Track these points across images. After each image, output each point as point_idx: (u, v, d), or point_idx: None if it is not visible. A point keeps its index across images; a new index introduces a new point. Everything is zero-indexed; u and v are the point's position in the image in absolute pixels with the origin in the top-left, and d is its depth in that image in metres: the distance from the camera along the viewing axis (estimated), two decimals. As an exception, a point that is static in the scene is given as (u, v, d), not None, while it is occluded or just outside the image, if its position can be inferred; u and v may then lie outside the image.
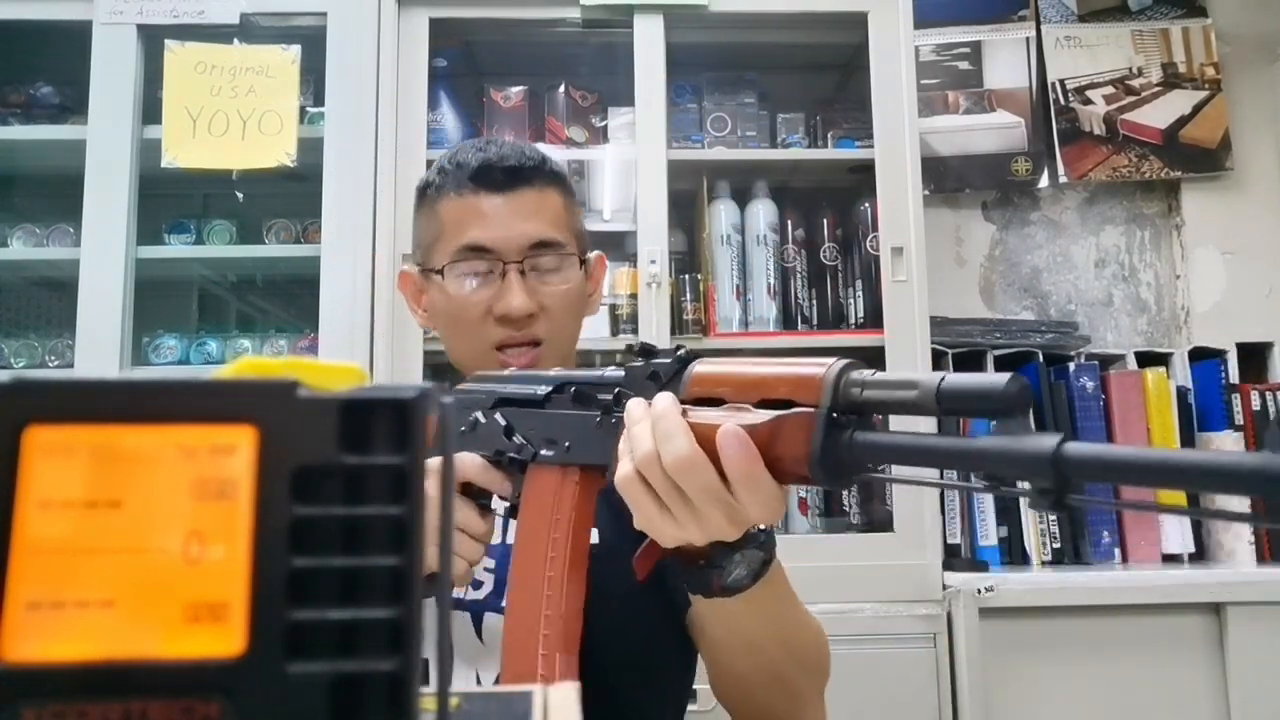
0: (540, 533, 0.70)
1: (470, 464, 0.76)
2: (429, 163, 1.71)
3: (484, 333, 0.94)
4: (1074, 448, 0.40)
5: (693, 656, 0.91)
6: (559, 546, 0.69)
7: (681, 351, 0.63)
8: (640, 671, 0.88)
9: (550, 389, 0.72)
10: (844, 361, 0.53)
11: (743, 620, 0.66)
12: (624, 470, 0.59)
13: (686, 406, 0.59)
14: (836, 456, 0.52)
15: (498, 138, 1.00)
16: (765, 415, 0.55)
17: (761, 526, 0.65)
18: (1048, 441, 0.41)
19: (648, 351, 0.64)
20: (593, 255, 1.03)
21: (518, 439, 0.73)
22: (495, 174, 0.94)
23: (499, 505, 0.79)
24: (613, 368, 0.70)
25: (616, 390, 0.66)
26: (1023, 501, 1.75)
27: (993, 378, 0.44)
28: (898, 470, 0.54)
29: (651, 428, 0.58)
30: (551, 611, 0.67)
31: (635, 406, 0.61)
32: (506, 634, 0.70)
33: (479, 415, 0.77)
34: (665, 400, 0.59)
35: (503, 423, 0.74)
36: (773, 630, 0.71)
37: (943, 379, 0.47)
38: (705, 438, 0.56)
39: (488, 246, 0.93)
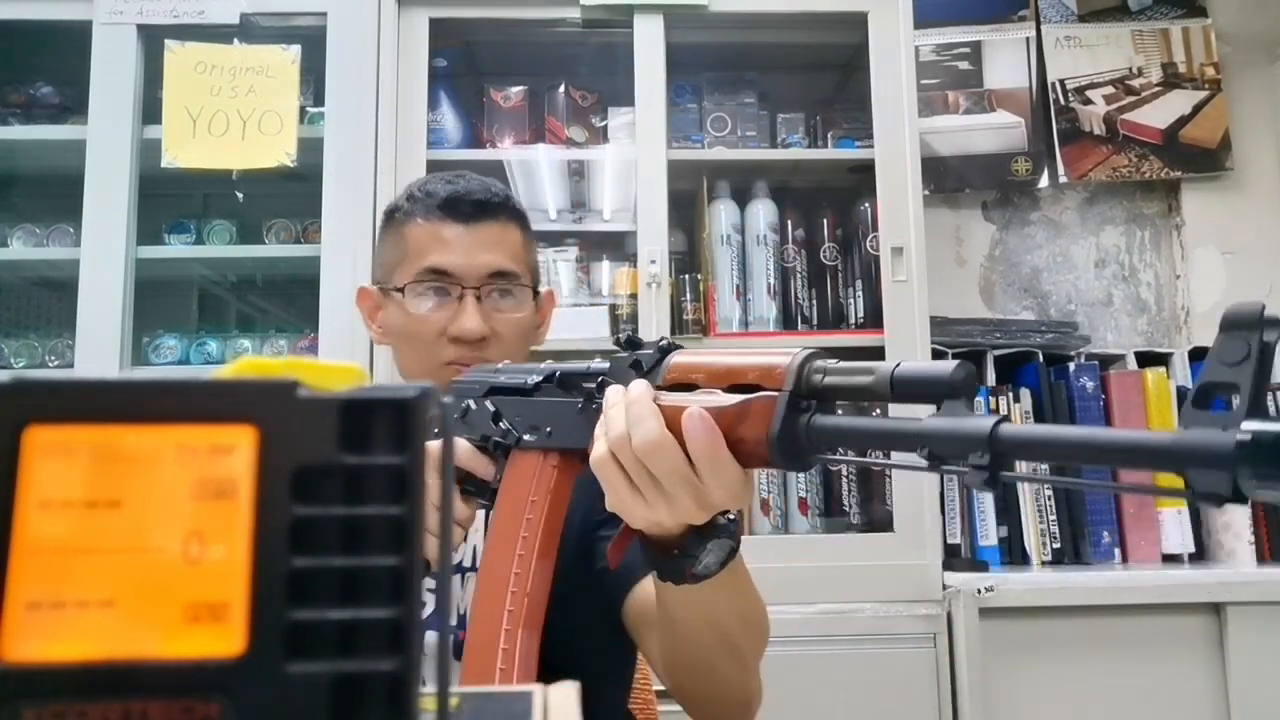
0: (516, 513, 0.72)
1: (458, 448, 0.79)
2: (429, 163, 1.71)
3: (437, 351, 0.99)
4: (1008, 428, 0.43)
5: (630, 650, 0.97)
6: (532, 527, 0.71)
7: (663, 342, 0.66)
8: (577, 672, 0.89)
9: (540, 379, 0.76)
10: (808, 350, 0.56)
11: (708, 602, 0.70)
12: (598, 451, 0.62)
13: (661, 391, 0.62)
14: (794, 438, 0.54)
15: (466, 173, 1.05)
16: (732, 399, 0.58)
17: (730, 515, 0.67)
18: (985, 422, 0.44)
19: (633, 343, 0.68)
20: (544, 291, 1.09)
21: (504, 425, 0.77)
22: (463, 205, 1.00)
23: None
24: (600, 359, 0.72)
25: (600, 379, 0.69)
26: (1023, 501, 1.75)
27: (941, 365, 0.47)
28: (852, 452, 0.57)
29: (625, 411, 0.61)
30: (518, 589, 0.70)
31: (613, 392, 0.64)
32: (474, 606, 0.73)
33: (471, 403, 0.80)
34: (639, 386, 0.62)
35: (491, 409, 0.78)
36: (734, 607, 0.74)
37: (897, 365, 0.50)
38: (675, 421, 0.59)
39: (449, 270, 0.99)
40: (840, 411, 0.55)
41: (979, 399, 1.76)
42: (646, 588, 0.90)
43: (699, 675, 0.83)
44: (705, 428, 0.57)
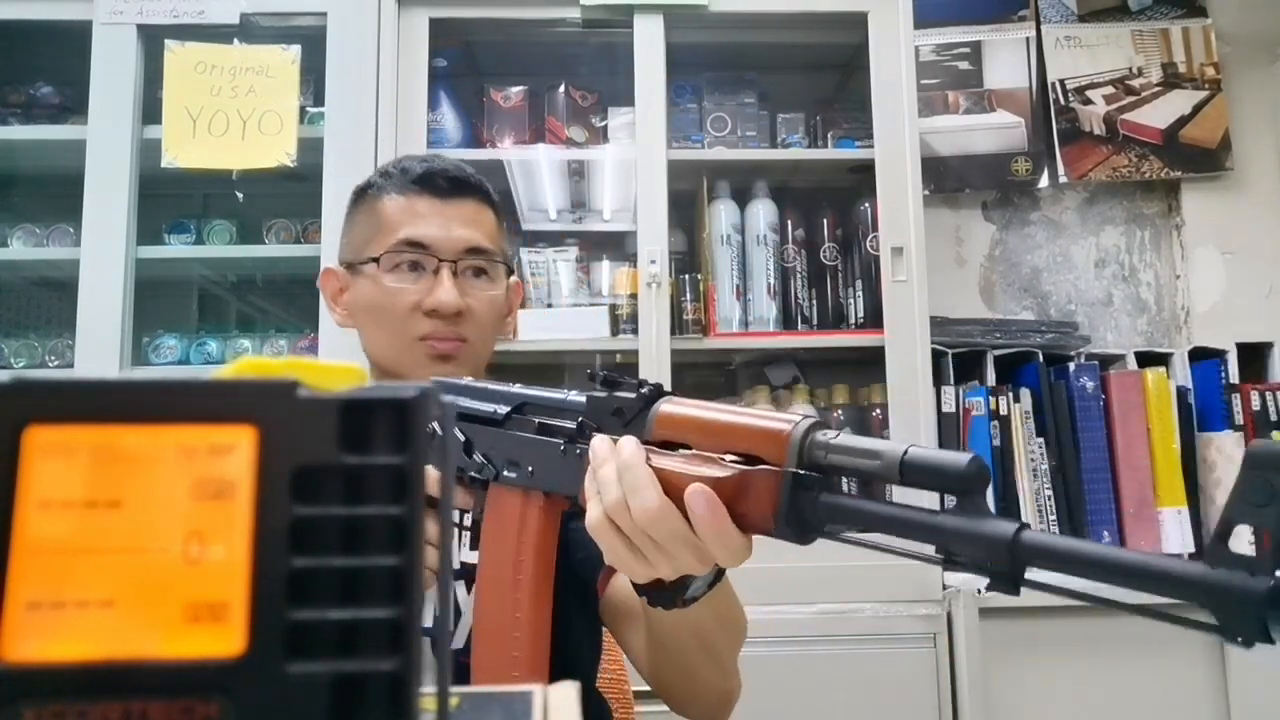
0: (507, 554, 0.71)
1: (430, 476, 0.76)
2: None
3: (410, 325, 0.97)
4: (1030, 536, 0.43)
5: (597, 628, 0.98)
6: (525, 569, 0.70)
7: (645, 389, 0.63)
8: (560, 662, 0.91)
9: (509, 409, 0.73)
10: (809, 420, 0.54)
11: (692, 614, 0.69)
12: (595, 515, 0.61)
13: (651, 449, 0.60)
14: (801, 515, 0.53)
15: (441, 155, 1.05)
16: (731, 470, 0.56)
17: None
18: (1007, 527, 0.43)
19: (611, 383, 0.65)
20: (512, 280, 1.07)
21: (478, 457, 0.74)
22: (439, 180, 0.99)
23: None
24: (575, 392, 0.70)
25: (580, 420, 0.67)
26: (1023, 501, 1.75)
27: (953, 457, 0.47)
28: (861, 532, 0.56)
29: (618, 475, 0.59)
30: (521, 633, 0.69)
31: (600, 445, 0.61)
32: (476, 648, 0.71)
33: (436, 426, 0.78)
34: (630, 447, 0.60)
35: (461, 438, 0.75)
36: (715, 612, 0.74)
37: (906, 451, 0.48)
38: (673, 486, 0.57)
39: (425, 243, 0.97)
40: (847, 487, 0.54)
41: (978, 399, 1.76)
42: (623, 581, 0.90)
43: (681, 676, 0.84)
44: (709, 504, 0.55)
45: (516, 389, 0.74)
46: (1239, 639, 0.37)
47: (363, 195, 1.04)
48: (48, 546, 0.26)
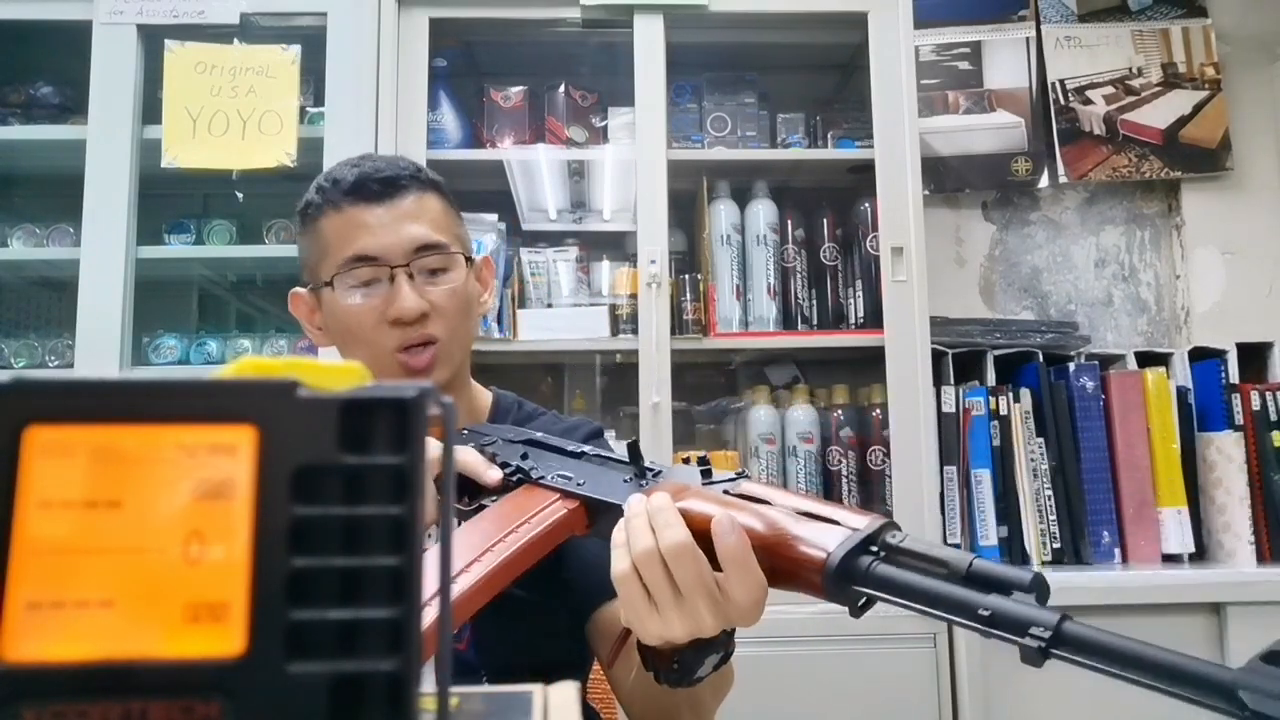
0: (506, 519, 0.71)
1: (462, 453, 0.78)
2: (429, 163, 1.70)
3: (380, 339, 0.95)
4: (1072, 626, 0.49)
5: (587, 646, 0.98)
6: (510, 543, 0.69)
7: (738, 472, 0.67)
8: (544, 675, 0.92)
9: (581, 451, 0.77)
10: (886, 520, 0.59)
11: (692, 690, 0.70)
12: (621, 565, 0.62)
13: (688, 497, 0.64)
14: (852, 572, 0.57)
15: (372, 154, 1.03)
16: (798, 519, 0.60)
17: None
18: (1052, 616, 0.48)
19: (703, 461, 0.69)
20: (478, 258, 1.05)
21: (530, 462, 0.76)
22: (371, 185, 0.97)
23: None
24: (653, 460, 0.74)
25: (659, 472, 0.71)
26: (1023, 501, 1.75)
27: (1017, 573, 0.51)
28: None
29: (648, 521, 0.62)
30: (467, 578, 0.67)
31: (636, 501, 0.65)
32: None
33: (500, 440, 0.81)
34: (662, 497, 0.63)
35: (521, 450, 0.78)
36: (713, 682, 0.73)
37: (971, 563, 0.52)
38: (700, 528, 0.61)
39: (373, 255, 0.95)
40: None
41: (978, 399, 1.76)
42: (610, 613, 0.92)
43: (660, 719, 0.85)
44: (735, 530, 0.59)
45: (589, 449, 0.78)
46: None
47: (305, 215, 1.01)
48: (48, 546, 0.26)
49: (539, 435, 0.80)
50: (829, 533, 0.58)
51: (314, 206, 0.99)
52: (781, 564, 0.59)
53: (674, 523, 0.61)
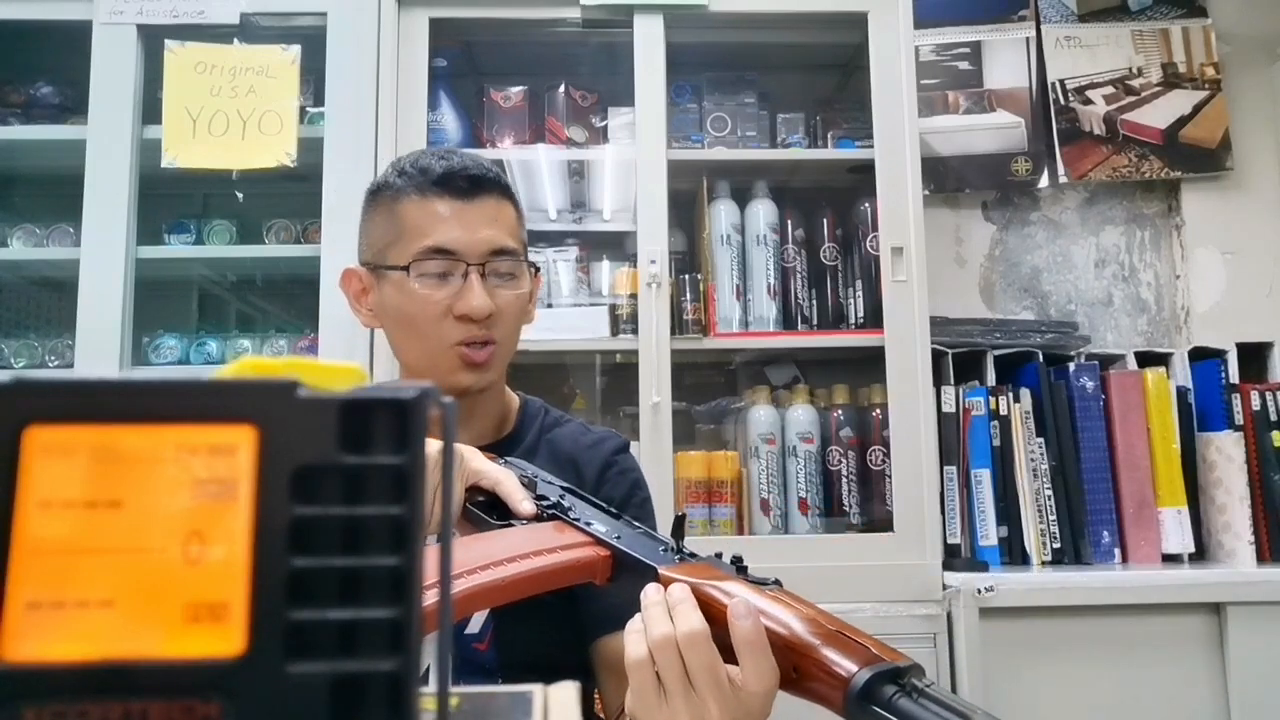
0: (524, 542, 0.70)
1: (502, 476, 0.78)
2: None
3: (442, 331, 0.97)
4: None
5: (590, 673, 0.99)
6: (519, 566, 0.68)
7: (771, 581, 0.67)
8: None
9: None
10: (915, 664, 0.59)
11: None
12: (636, 651, 0.63)
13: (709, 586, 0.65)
14: (873, 696, 0.56)
15: (455, 149, 1.05)
16: (834, 628, 0.61)
17: None
18: None
19: (736, 560, 0.69)
20: (534, 272, 1.07)
21: (568, 501, 0.77)
22: (459, 181, 0.98)
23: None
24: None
25: (691, 551, 0.71)
26: (1023, 501, 1.75)
27: None
28: None
29: (666, 610, 0.63)
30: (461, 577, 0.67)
31: (653, 590, 0.65)
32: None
33: (540, 480, 0.81)
34: (681, 588, 0.64)
35: (561, 492, 0.79)
36: None
37: None
38: (720, 618, 0.61)
39: (451, 249, 0.97)
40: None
41: (978, 399, 1.76)
42: (616, 644, 0.92)
43: None
44: (750, 614, 0.60)
45: (626, 517, 0.79)
46: None
47: (380, 195, 1.02)
48: (48, 547, 0.26)
49: (578, 491, 0.81)
50: (859, 653, 0.58)
51: (394, 189, 1.00)
52: (806, 666, 0.59)
53: (691, 612, 0.62)
